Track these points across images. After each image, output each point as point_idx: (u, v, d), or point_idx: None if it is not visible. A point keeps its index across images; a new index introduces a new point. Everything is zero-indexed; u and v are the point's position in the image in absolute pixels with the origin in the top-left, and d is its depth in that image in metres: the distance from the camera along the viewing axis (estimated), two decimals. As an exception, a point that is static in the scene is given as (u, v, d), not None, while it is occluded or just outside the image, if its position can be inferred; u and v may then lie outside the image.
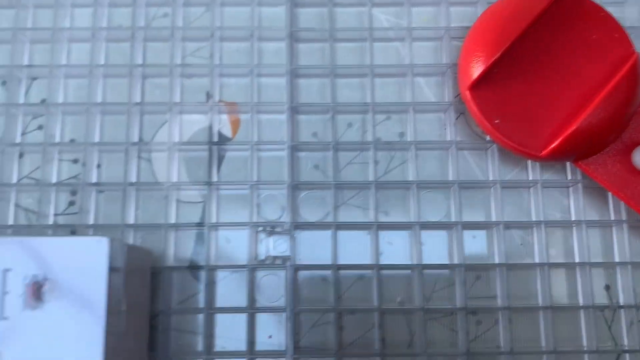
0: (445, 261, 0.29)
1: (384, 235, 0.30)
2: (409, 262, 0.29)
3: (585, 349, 0.28)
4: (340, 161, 0.31)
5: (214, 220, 0.29)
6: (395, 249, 0.30)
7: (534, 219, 0.30)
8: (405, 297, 0.29)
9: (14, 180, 0.30)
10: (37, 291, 0.21)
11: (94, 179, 0.30)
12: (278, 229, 0.29)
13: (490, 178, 0.30)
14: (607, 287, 0.29)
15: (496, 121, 0.28)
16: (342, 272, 0.29)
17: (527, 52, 0.29)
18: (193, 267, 0.29)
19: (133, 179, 0.30)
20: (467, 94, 0.29)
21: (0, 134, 0.31)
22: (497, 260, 0.29)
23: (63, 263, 0.21)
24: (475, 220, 0.30)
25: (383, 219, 0.30)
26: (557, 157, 0.28)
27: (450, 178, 0.30)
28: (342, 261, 0.29)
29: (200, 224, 0.29)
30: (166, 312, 0.28)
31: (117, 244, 0.22)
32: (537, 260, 0.29)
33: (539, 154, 0.28)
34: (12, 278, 0.21)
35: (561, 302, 0.29)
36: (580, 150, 0.28)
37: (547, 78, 0.29)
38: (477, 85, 0.28)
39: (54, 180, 0.30)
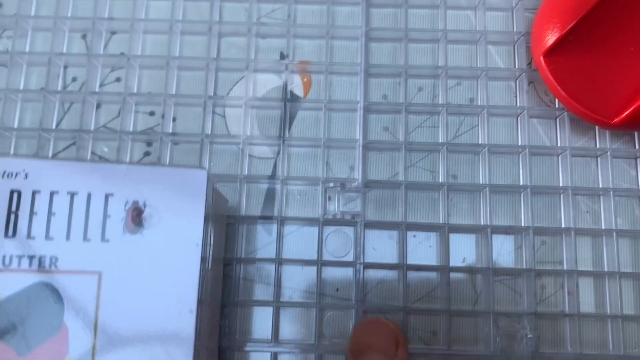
0: (512, 224, 0.30)
1: (453, 196, 0.30)
2: (476, 224, 0.30)
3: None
4: (410, 124, 0.31)
5: (285, 175, 0.30)
6: (463, 211, 0.30)
7: (601, 192, 0.30)
8: (470, 259, 0.30)
9: (92, 128, 0.31)
10: (137, 217, 0.21)
11: (169, 131, 0.31)
12: (348, 186, 0.30)
13: (559, 145, 0.30)
14: (674, 257, 0.30)
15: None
16: (409, 232, 0.30)
17: (602, 21, 0.29)
18: (264, 219, 0.30)
19: (208, 132, 0.30)
20: (541, 60, 0.29)
21: (80, 84, 0.32)
22: (563, 226, 0.29)
23: (162, 192, 0.22)
24: (544, 184, 0.30)
25: (452, 184, 0.30)
26: (628, 125, 0.29)
27: (520, 148, 0.30)
28: (410, 222, 0.29)
29: (272, 177, 0.30)
30: (238, 260, 0.29)
31: (211, 178, 0.23)
32: (603, 233, 0.29)
33: (611, 122, 0.28)
34: (113, 203, 0.22)
35: (627, 270, 0.29)
36: (653, 118, 0.28)
37: (621, 47, 0.29)
38: (552, 52, 0.29)
39: (130, 130, 0.31)
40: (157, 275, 0.21)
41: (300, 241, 0.30)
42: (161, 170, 0.22)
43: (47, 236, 0.21)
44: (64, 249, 0.21)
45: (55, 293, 0.21)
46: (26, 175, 0.21)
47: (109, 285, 0.21)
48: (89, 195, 0.21)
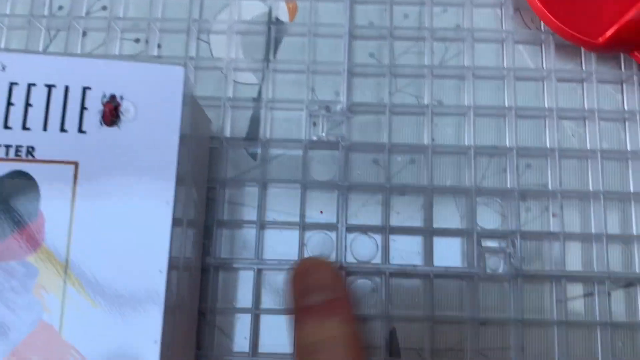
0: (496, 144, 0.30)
1: (438, 120, 0.30)
2: (462, 144, 0.29)
3: (634, 234, 0.29)
4: (396, 50, 0.31)
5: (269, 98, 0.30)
6: (448, 134, 0.30)
7: (586, 113, 0.30)
8: (455, 180, 0.30)
9: (78, 54, 0.31)
10: (114, 110, 0.22)
11: (154, 55, 0.31)
12: (333, 109, 0.30)
13: (545, 70, 0.30)
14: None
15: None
16: (394, 155, 0.30)
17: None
18: (249, 140, 0.30)
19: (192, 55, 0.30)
20: (527, -19, 0.29)
21: (66, 12, 0.32)
22: (549, 150, 0.29)
23: (140, 87, 0.22)
24: (528, 105, 0.30)
25: (437, 107, 0.30)
26: (613, 45, 0.29)
27: (505, 70, 0.30)
28: (394, 143, 0.29)
29: (257, 99, 0.30)
30: (222, 183, 0.29)
31: (189, 81, 0.23)
32: (588, 154, 0.29)
33: (596, 41, 0.28)
34: (90, 96, 0.22)
35: (613, 190, 0.29)
36: (638, 37, 0.28)
37: (606, -32, 0.29)
38: (537, -27, 0.29)
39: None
40: (134, 169, 0.21)
41: (285, 165, 0.30)
42: (138, 66, 0.22)
43: (24, 126, 0.21)
44: (41, 139, 0.21)
45: (31, 181, 0.21)
46: (3, 68, 0.21)
47: (86, 175, 0.21)
48: (66, 88, 0.22)
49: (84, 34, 0.32)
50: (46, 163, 0.21)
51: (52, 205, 0.21)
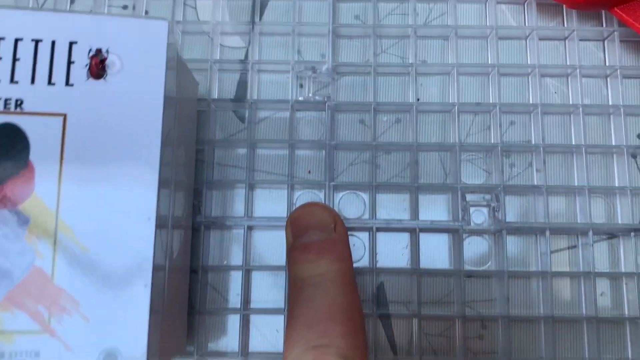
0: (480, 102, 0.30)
1: (423, 79, 0.31)
2: (446, 103, 0.30)
3: (617, 186, 0.29)
4: (381, 12, 0.31)
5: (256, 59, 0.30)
6: (433, 93, 0.30)
7: (569, 70, 0.30)
8: (440, 138, 0.30)
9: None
10: (100, 63, 0.22)
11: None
12: (319, 69, 0.30)
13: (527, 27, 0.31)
14: (640, 135, 0.30)
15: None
16: (379, 114, 0.30)
17: None
18: (237, 102, 0.30)
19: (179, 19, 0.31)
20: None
21: (54, -22, 0.32)
22: (532, 106, 0.30)
23: (125, 41, 0.22)
24: (511, 63, 0.30)
25: (421, 67, 0.30)
26: (595, 2, 0.29)
27: (488, 29, 0.31)
28: (380, 102, 0.30)
29: (243, 62, 0.30)
30: (210, 144, 0.29)
31: (174, 38, 0.23)
32: (571, 110, 0.30)
33: (577, -2, 0.29)
34: (77, 50, 0.22)
35: (595, 144, 0.30)
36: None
37: None
38: None
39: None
40: (121, 120, 0.22)
41: (273, 127, 0.30)
42: (123, 21, 0.22)
43: (12, 80, 0.21)
44: (29, 92, 0.21)
45: (20, 133, 0.21)
46: (-10, 24, 0.22)
47: (74, 127, 0.21)
48: (53, 42, 0.22)
49: (72, 0, 0.32)
50: (35, 115, 0.21)
51: (41, 156, 0.21)
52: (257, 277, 0.29)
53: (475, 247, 0.29)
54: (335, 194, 0.29)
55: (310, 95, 0.30)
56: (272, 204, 0.29)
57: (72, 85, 0.22)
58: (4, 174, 0.21)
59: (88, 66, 0.22)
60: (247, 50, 0.31)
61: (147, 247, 0.21)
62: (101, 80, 0.22)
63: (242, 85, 0.30)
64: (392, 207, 0.29)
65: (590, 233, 0.28)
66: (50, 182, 0.21)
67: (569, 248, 0.29)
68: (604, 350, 0.28)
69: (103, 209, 0.21)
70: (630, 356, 0.28)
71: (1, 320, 0.20)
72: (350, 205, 0.29)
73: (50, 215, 0.21)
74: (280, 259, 0.29)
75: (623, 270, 0.29)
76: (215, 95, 0.30)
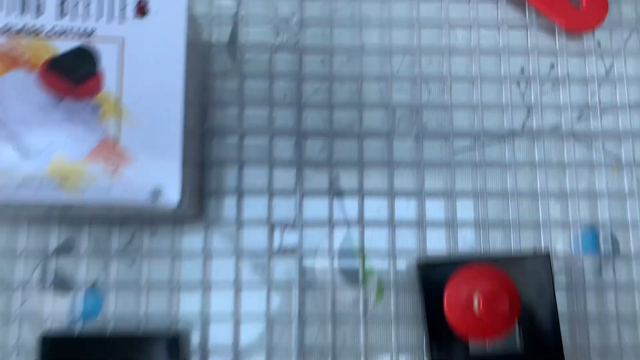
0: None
1: (366, 28, 0.42)
2: (385, 45, 0.42)
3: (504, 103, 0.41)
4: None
5: None
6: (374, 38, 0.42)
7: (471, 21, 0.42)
8: (379, 71, 0.42)
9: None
10: (143, 7, 0.33)
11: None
12: (290, 22, 0.42)
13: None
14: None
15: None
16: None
17: None
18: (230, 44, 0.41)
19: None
20: None
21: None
22: (444, 48, 0.42)
23: (160, -8, 0.34)
24: (430, 16, 0.42)
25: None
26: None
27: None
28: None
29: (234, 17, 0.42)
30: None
31: None
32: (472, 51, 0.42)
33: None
34: (128, -3, 0.33)
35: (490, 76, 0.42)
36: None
37: None
38: None
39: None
40: (158, 45, 0.33)
41: (257, 67, 0.42)
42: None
43: (87, 16, 0.33)
44: (99, 24, 0.33)
45: (94, 51, 0.32)
46: (70, -21, 0.33)
47: (129, 47, 0.33)
48: (112, -9, 0.33)
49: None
50: (104, 39, 0.32)
51: (108, 66, 0.32)
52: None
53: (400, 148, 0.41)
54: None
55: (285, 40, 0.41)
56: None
57: (126, 20, 0.33)
58: (82, 77, 0.32)
59: (136, 7, 0.33)
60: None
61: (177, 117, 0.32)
62: (145, 18, 0.33)
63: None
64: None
65: (482, 136, 0.40)
66: (114, 81, 0.32)
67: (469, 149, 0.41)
68: None
69: (150, 95, 0.32)
70: None
71: (88, 168, 0.31)
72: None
73: (115, 104, 0.32)
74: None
75: None
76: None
